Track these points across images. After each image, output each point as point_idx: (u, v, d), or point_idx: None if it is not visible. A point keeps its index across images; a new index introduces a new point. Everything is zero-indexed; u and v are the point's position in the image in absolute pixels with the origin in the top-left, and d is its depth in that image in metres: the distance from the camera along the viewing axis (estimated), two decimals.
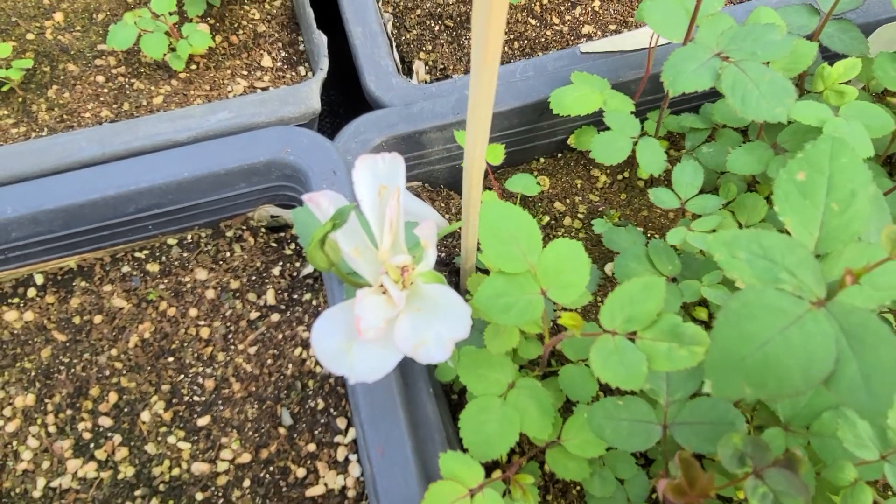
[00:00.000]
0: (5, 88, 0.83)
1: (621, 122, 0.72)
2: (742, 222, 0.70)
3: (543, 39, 0.97)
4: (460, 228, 0.63)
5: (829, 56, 0.76)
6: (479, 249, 0.72)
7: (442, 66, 0.95)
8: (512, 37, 0.97)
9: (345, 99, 1.12)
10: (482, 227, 0.52)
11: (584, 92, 0.74)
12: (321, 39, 0.84)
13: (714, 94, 0.85)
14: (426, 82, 0.93)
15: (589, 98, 0.73)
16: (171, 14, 0.82)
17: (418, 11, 0.98)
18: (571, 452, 0.56)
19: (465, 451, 0.66)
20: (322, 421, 0.66)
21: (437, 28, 0.98)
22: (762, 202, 0.70)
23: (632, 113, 0.74)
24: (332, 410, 0.66)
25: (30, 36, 0.88)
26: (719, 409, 0.51)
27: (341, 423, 0.65)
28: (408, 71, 0.95)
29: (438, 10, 0.98)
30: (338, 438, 0.65)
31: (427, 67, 0.95)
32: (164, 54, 0.82)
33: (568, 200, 0.85)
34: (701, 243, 0.61)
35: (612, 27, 0.97)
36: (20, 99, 0.83)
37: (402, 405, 0.59)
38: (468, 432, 0.55)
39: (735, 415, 0.51)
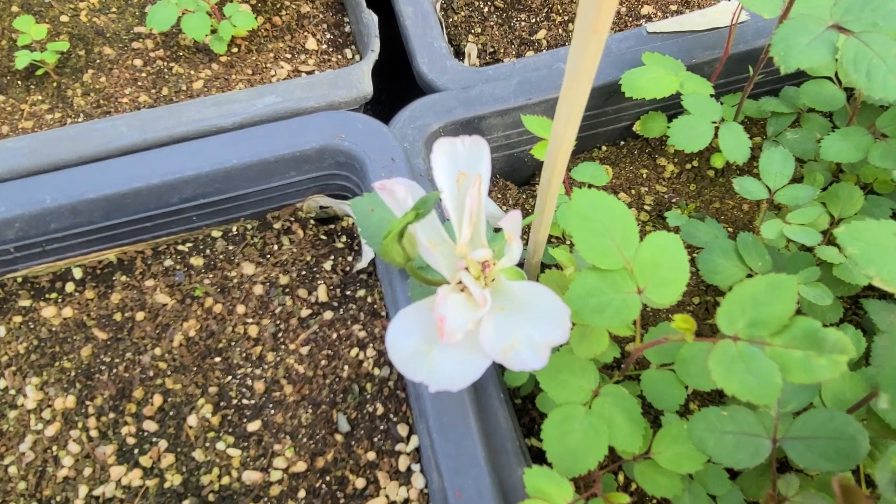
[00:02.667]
0: (39, 73, 0.79)
1: (701, 106, 0.66)
2: (835, 215, 0.64)
3: None
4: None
5: None
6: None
7: (492, 50, 0.90)
8: (566, 18, 0.91)
9: (387, 84, 1.06)
10: (574, 218, 0.47)
11: (658, 74, 0.69)
12: (371, 19, 0.79)
13: (797, 76, 0.79)
14: (476, 66, 0.88)
15: (664, 80, 0.68)
16: None
17: None
18: (663, 467, 0.51)
19: (543, 463, 0.61)
20: (381, 427, 0.61)
21: (486, 10, 0.93)
22: (858, 192, 0.64)
23: (711, 96, 0.68)
24: (391, 416, 0.61)
25: (64, 18, 0.84)
26: (838, 422, 0.46)
27: (402, 429, 0.61)
28: (455, 54, 0.90)
29: None
30: (399, 447, 0.60)
31: (476, 51, 0.90)
32: (206, 36, 0.77)
33: (633, 191, 0.79)
34: (802, 237, 0.56)
35: (673, 7, 0.91)
36: (55, 84, 0.79)
37: (473, 412, 0.55)
38: (551, 444, 0.50)
39: (856, 429, 0.45)
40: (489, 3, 0.93)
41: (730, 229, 0.76)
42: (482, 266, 0.47)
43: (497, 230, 0.60)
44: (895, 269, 0.40)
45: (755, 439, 0.47)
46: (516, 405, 0.68)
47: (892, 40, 0.48)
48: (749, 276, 0.61)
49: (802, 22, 0.51)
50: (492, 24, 0.91)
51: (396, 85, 1.06)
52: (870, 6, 0.49)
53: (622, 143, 0.84)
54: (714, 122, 0.67)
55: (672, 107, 0.79)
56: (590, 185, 0.75)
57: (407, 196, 0.45)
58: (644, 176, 0.80)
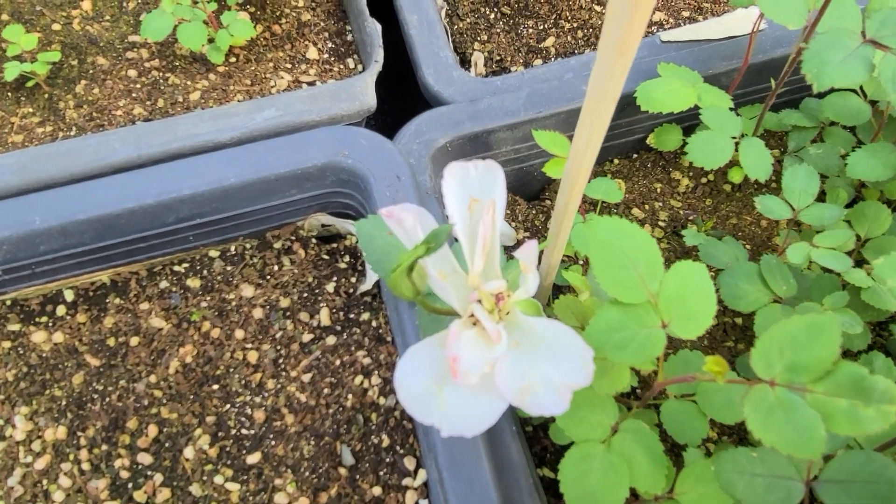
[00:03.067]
0: (30, 84, 0.76)
1: (721, 120, 0.64)
2: (861, 234, 0.61)
3: None
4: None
5: None
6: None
7: (499, 58, 0.87)
8: (576, 25, 0.89)
9: (389, 93, 1.04)
10: (594, 248, 0.44)
11: (674, 86, 0.66)
12: (375, 28, 0.76)
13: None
14: (483, 76, 0.85)
15: (681, 92, 0.65)
16: (208, 1, 0.75)
17: None
18: None
19: (556, 497, 0.58)
20: (387, 460, 0.58)
21: (492, 16, 0.90)
22: (885, 211, 0.61)
23: (730, 109, 0.66)
24: (398, 448, 0.59)
25: (56, 26, 0.81)
26: (875, 464, 0.43)
27: (409, 463, 0.58)
28: (461, 62, 0.87)
29: None
30: (406, 481, 0.57)
31: (483, 59, 0.87)
32: (202, 46, 0.74)
33: (647, 206, 0.76)
34: (832, 262, 0.53)
35: (686, 14, 0.88)
36: (46, 95, 0.76)
37: (485, 447, 0.52)
38: (569, 486, 0.47)
39: (895, 472, 0.43)
40: (496, 10, 0.90)
41: (748, 247, 0.73)
42: (496, 298, 0.44)
43: (510, 257, 0.57)
44: None
45: (787, 482, 0.44)
46: (527, 433, 0.65)
47: None
48: (774, 301, 0.58)
49: (836, 37, 0.48)
50: (498, 31, 0.88)
51: (399, 94, 1.03)
52: None
53: (635, 156, 0.81)
54: (734, 138, 0.64)
55: (686, 118, 0.77)
56: (603, 202, 0.73)
57: (416, 225, 0.43)
58: (658, 190, 0.77)
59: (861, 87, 0.66)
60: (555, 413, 0.38)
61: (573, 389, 0.39)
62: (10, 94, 0.76)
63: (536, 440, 0.65)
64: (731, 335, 0.69)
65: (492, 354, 0.40)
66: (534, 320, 0.42)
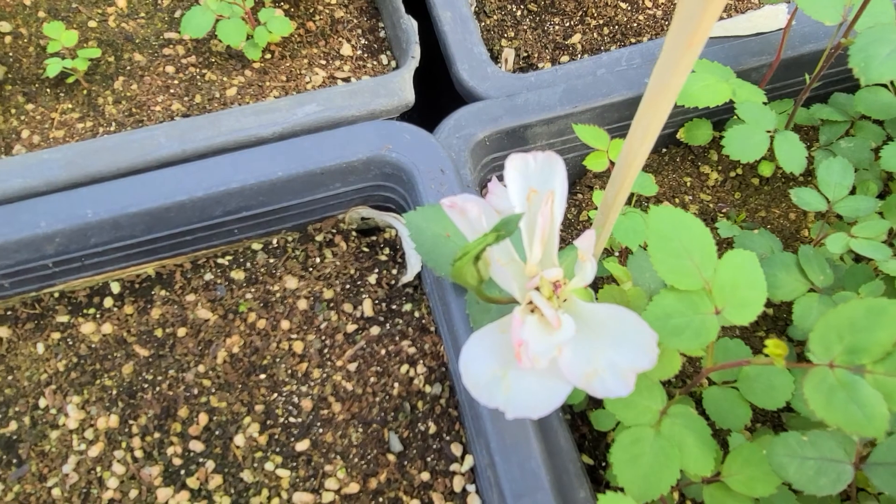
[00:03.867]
0: (70, 80, 0.77)
1: (756, 115, 0.65)
2: (893, 226, 0.63)
3: (636, 25, 0.89)
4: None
5: None
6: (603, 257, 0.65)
7: (526, 54, 0.88)
8: (601, 21, 0.90)
9: (416, 90, 1.05)
10: (652, 237, 0.45)
11: (709, 81, 0.67)
12: (411, 25, 0.78)
13: (845, 81, 0.78)
14: (511, 72, 0.86)
15: (716, 88, 0.66)
16: None
17: None
18: (735, 490, 0.50)
19: (605, 484, 0.60)
20: (435, 447, 0.59)
21: (519, 13, 0.92)
22: None
23: (763, 104, 0.67)
24: (445, 435, 0.60)
25: (92, 23, 0.82)
26: None
27: (456, 449, 0.59)
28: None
29: None
30: (453, 467, 0.59)
31: (513, 56, 0.88)
32: (241, 42, 0.76)
33: (677, 200, 0.78)
34: (871, 252, 0.54)
35: None
36: (85, 91, 0.77)
37: (535, 432, 0.53)
38: (622, 468, 0.48)
39: None
40: (522, 7, 0.91)
41: (777, 238, 0.75)
42: (554, 286, 0.45)
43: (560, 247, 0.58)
44: None
45: (837, 465, 0.45)
46: (566, 420, 0.66)
47: None
48: (811, 290, 0.59)
49: (882, 31, 0.50)
50: (525, 27, 0.90)
51: (424, 90, 1.04)
52: None
53: (664, 150, 0.82)
54: (769, 132, 0.65)
55: (715, 113, 0.78)
56: (638, 196, 0.74)
57: (480, 216, 0.44)
58: (688, 184, 0.79)
59: (892, 82, 0.67)
60: (620, 395, 0.39)
61: (637, 373, 0.40)
62: (48, 90, 0.78)
63: (574, 428, 0.67)
64: (763, 325, 0.70)
65: (557, 340, 0.41)
66: (595, 306, 0.43)
